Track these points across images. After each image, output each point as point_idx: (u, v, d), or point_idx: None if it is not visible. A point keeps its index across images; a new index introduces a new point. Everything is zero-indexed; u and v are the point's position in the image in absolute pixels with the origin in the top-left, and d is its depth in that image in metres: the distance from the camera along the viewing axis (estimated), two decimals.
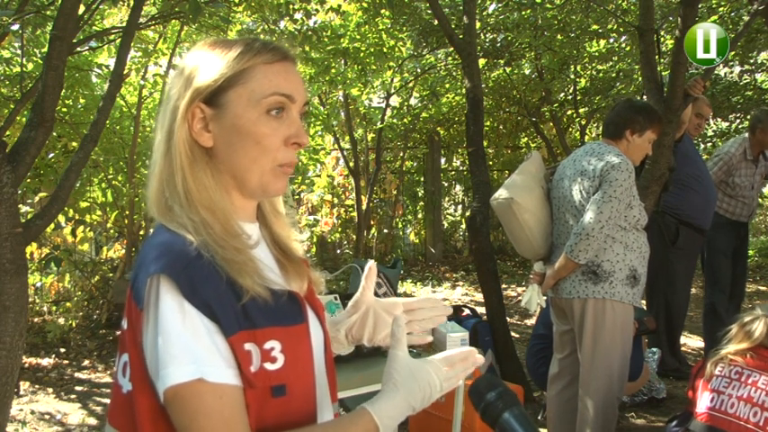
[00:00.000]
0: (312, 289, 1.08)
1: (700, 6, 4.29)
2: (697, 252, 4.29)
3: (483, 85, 5.45)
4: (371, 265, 1.17)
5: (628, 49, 6.60)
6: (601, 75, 7.22)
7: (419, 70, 7.85)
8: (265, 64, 0.94)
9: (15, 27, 3.21)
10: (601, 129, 3.50)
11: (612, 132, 2.83)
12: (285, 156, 0.96)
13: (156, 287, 0.87)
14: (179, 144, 0.93)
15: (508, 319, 4.52)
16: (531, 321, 5.64)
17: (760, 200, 7.47)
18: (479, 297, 6.05)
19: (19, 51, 4.75)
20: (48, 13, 3.37)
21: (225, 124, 0.94)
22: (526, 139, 9.49)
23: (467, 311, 4.24)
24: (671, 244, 4.04)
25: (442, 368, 0.96)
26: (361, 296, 1.17)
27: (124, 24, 3.48)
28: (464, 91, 4.96)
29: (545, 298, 3.03)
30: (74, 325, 5.40)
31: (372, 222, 8.42)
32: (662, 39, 5.29)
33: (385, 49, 6.68)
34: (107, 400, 4.09)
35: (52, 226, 4.61)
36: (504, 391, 0.95)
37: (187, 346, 0.84)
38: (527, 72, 7.95)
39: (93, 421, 3.78)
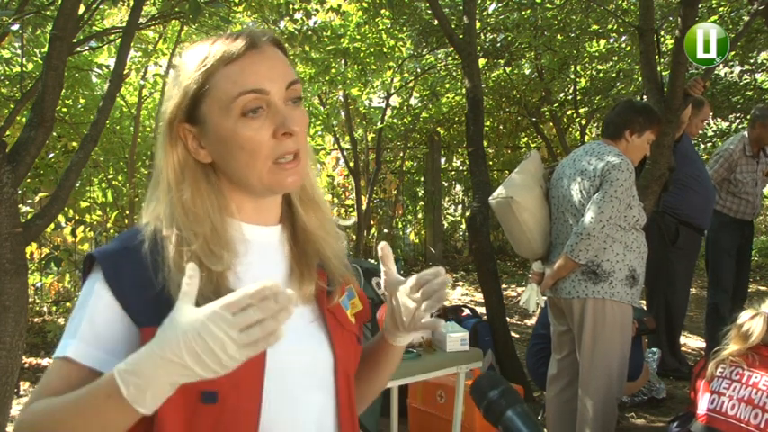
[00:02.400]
0: (323, 299, 0.99)
1: (700, 6, 4.30)
2: (697, 252, 4.29)
3: (483, 85, 5.45)
4: (383, 246, 1.04)
5: (628, 49, 6.60)
6: (601, 75, 7.22)
7: (419, 70, 7.84)
8: (226, 64, 0.89)
9: (15, 27, 3.21)
10: (601, 129, 3.51)
11: (612, 132, 2.84)
12: (277, 149, 0.90)
13: (86, 266, 0.92)
14: (167, 166, 0.93)
15: (508, 319, 4.52)
16: (531, 321, 5.64)
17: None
18: (479, 297, 6.04)
19: (19, 51, 4.75)
20: (48, 13, 3.37)
21: (210, 138, 0.91)
22: (526, 139, 9.49)
23: (467, 311, 4.24)
24: (671, 244, 4.04)
25: (226, 315, 0.73)
26: (384, 282, 1.06)
27: (124, 24, 3.48)
28: (464, 91, 4.96)
29: (544, 298, 3.03)
30: None
31: (372, 222, 8.42)
32: (662, 39, 5.28)
33: (385, 49, 6.68)
34: None
35: (52, 226, 4.61)
36: (507, 389, 0.92)
37: (78, 326, 0.87)
38: (527, 72, 7.95)
39: None
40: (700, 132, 5.77)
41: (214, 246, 0.89)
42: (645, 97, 3.64)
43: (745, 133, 4.36)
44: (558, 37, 6.23)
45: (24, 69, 4.34)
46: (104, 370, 0.85)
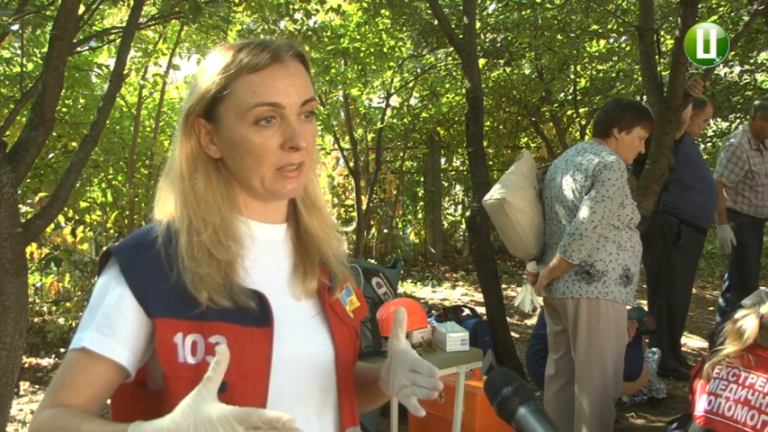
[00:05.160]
0: (324, 295, 1.04)
1: (700, 6, 4.30)
2: (699, 252, 4.27)
3: (483, 85, 5.44)
4: (401, 313, 1.04)
5: (628, 49, 6.60)
6: (601, 75, 7.22)
7: (419, 70, 7.85)
8: (250, 73, 0.94)
9: (15, 27, 3.22)
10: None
11: (601, 131, 2.84)
12: (282, 159, 0.96)
13: (102, 261, 0.97)
14: (181, 156, 0.98)
15: (508, 319, 4.52)
16: (531, 321, 5.64)
17: None
18: (479, 297, 6.04)
19: (19, 51, 4.75)
20: (48, 13, 3.37)
21: (222, 138, 0.97)
22: (526, 139, 9.48)
23: (467, 311, 4.24)
24: (673, 244, 4.03)
25: (236, 427, 0.78)
26: (390, 343, 1.06)
27: (124, 24, 3.48)
28: (464, 91, 4.96)
29: (540, 298, 3.03)
30: (74, 325, 5.40)
31: (372, 222, 8.42)
32: (662, 39, 5.28)
33: (385, 49, 6.68)
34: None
35: (52, 226, 4.61)
36: (520, 386, 0.94)
37: (93, 317, 0.92)
38: (527, 72, 7.95)
39: None
40: (701, 132, 5.77)
41: (222, 236, 0.96)
42: (645, 97, 3.65)
43: (746, 126, 4.36)
44: (558, 37, 6.22)
45: (24, 69, 4.35)
46: (120, 361, 0.90)
